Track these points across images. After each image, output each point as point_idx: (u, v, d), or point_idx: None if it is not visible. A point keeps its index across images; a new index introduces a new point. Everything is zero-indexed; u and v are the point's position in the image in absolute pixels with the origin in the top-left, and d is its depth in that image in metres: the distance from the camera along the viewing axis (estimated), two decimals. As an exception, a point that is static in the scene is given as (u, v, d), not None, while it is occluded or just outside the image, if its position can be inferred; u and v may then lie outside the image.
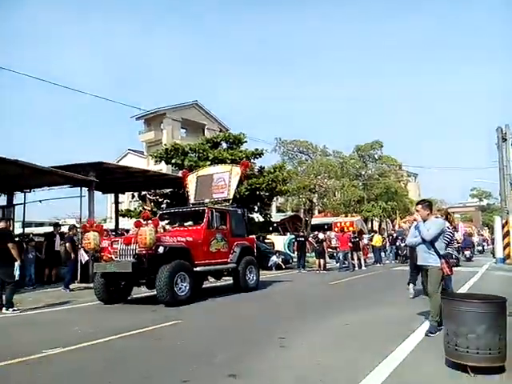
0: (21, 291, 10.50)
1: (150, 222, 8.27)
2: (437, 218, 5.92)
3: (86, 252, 10.91)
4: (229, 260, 10.21)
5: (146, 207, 13.51)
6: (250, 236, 11.56)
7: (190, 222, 10.21)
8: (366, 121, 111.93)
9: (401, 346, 4.84)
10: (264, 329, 6.10)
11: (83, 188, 13.65)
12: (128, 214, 22.09)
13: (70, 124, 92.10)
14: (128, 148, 50.68)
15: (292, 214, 34.37)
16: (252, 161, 19.26)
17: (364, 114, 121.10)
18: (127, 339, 5.62)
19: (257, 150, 19.53)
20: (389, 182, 38.26)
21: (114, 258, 8.87)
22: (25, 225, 18.84)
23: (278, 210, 38.57)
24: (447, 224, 7.02)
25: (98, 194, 20.03)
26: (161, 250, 8.28)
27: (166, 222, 9.40)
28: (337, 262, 21.44)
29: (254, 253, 11.18)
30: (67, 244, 11.28)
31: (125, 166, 14.25)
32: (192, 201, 11.77)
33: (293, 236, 26.82)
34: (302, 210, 35.00)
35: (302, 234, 19.65)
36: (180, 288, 8.45)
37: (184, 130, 47.97)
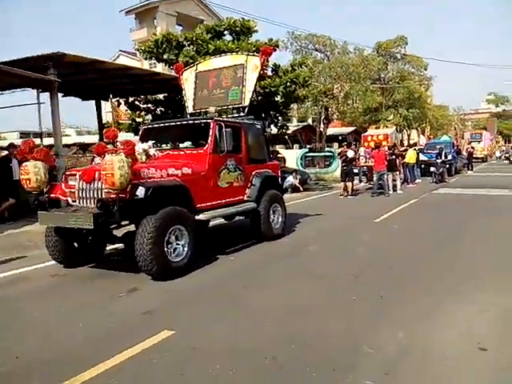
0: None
1: (119, 145, 4.95)
2: None
3: None
4: (245, 197, 7.07)
5: (117, 114, 9.92)
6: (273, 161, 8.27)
7: (188, 143, 6.87)
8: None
9: None
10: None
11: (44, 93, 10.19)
12: (110, 126, 18.62)
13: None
14: (119, 49, 45.03)
15: (305, 124, 30.59)
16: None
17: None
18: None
19: (271, 40, 15.21)
20: (412, 86, 33.71)
21: (70, 201, 5.72)
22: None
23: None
24: None
25: (76, 100, 16.55)
26: (140, 192, 5.03)
27: (153, 142, 6.10)
28: (360, 182, 18.50)
29: (279, 184, 8.03)
30: None
31: (96, 59, 10.40)
32: (190, 110, 8.27)
33: (306, 150, 23.43)
34: (311, 120, 31.00)
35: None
36: (175, 250, 5.41)
37: (180, 28, 42.10)
